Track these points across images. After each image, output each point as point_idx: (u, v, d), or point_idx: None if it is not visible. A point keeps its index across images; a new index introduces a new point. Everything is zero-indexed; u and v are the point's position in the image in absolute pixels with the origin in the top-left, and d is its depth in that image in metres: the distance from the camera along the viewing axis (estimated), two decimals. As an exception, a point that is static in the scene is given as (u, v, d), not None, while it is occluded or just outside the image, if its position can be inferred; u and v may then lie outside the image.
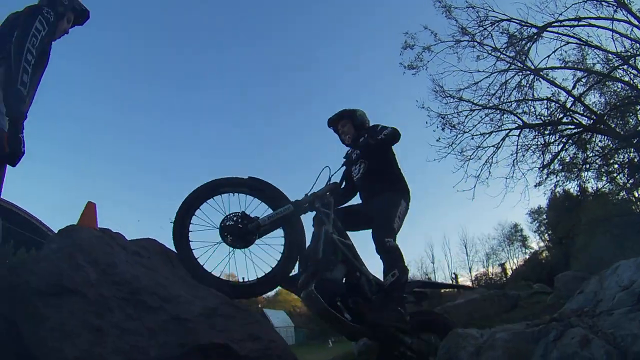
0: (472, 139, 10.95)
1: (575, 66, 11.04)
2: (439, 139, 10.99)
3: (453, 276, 34.40)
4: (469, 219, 58.12)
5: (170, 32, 62.13)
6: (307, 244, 2.76)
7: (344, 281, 2.73)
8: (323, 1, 61.73)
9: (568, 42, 10.67)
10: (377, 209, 2.88)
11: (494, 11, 10.74)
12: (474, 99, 11.03)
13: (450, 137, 11.00)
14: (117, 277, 1.91)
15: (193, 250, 2.55)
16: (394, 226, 2.77)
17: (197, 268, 2.51)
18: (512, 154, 10.99)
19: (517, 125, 11.02)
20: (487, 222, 64.19)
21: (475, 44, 10.93)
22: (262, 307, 38.73)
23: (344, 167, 3.16)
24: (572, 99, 10.91)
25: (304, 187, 3.03)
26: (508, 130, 11.00)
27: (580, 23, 10.33)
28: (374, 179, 3.07)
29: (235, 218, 2.61)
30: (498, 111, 10.89)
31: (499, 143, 10.97)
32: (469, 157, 10.93)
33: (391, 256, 2.65)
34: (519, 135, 10.97)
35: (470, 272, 34.81)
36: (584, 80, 10.99)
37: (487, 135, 10.94)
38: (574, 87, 10.94)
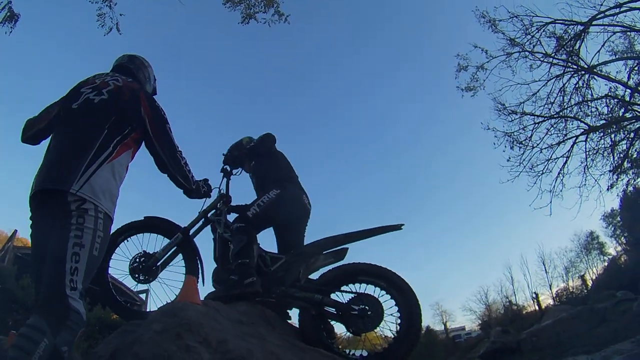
0: (541, 152, 10.60)
1: (626, 55, 10.49)
2: (509, 158, 10.70)
3: (534, 296, 32.63)
4: (544, 235, 54.80)
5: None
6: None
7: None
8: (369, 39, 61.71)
9: (614, 32, 10.20)
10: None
11: (537, 16, 10.50)
12: (535, 111, 10.78)
13: (519, 154, 10.68)
14: (230, 354, 1.77)
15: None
16: (251, 212, 3.01)
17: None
18: (581, 162, 10.46)
19: (582, 130, 10.48)
20: (562, 234, 59.59)
21: (527, 53, 10.71)
22: (343, 348, 37.82)
23: (225, 179, 3.41)
24: (630, 91, 10.30)
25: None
26: (575, 137, 10.51)
27: (622, 9, 9.86)
28: (255, 182, 3.52)
29: (137, 259, 2.92)
30: (562, 119, 10.51)
31: (567, 152, 10.53)
32: (540, 172, 10.57)
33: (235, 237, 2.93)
34: (586, 140, 10.42)
35: (550, 289, 32.89)
36: (637, 68, 10.39)
37: (556, 147, 10.57)
38: (629, 78, 10.37)
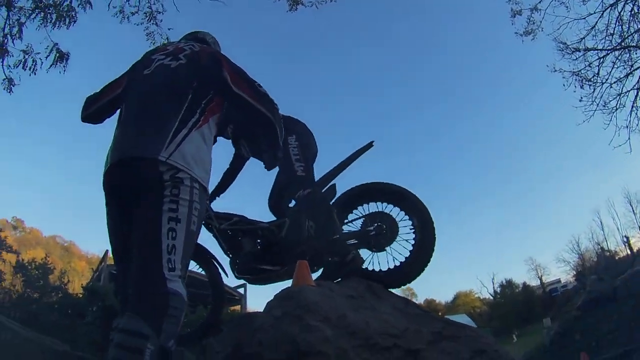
0: (611, 87, 9.73)
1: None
2: (581, 98, 10.08)
3: (625, 239, 31.05)
4: (629, 175, 51.20)
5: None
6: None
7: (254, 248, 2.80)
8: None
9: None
10: None
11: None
12: (597, 45, 9.94)
13: (590, 92, 9.95)
14: (351, 327, 1.88)
15: None
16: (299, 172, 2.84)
17: None
18: (653, 92, 9.54)
19: (647, 58, 9.51)
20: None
21: (576, -16, 9.90)
22: (443, 314, 38.05)
23: None
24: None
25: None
26: (640, 67, 9.61)
27: None
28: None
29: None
30: (625, 50, 9.64)
31: (637, 83, 9.59)
32: (614, 107, 9.77)
33: None
34: (653, 68, 9.45)
35: (640, 230, 30.61)
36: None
37: (624, 79, 9.64)
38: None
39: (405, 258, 2.65)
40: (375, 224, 2.75)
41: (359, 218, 2.83)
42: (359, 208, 2.87)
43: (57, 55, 6.45)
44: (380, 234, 2.72)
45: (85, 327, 11.80)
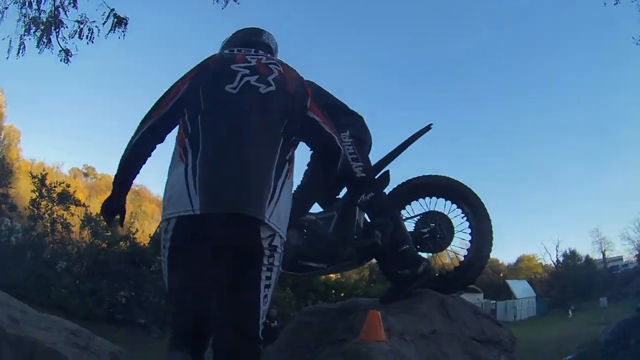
0: None
1: None
2: None
3: None
4: None
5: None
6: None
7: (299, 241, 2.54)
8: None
9: None
10: None
11: None
12: None
13: None
14: None
15: None
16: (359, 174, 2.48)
17: None
18: None
19: None
20: None
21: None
22: (505, 276, 38.82)
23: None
24: None
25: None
26: None
27: None
28: None
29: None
30: None
31: None
32: None
33: None
34: None
35: None
36: None
37: None
38: None
39: (468, 252, 2.53)
40: (429, 225, 2.58)
41: (416, 216, 2.65)
42: (407, 207, 2.68)
43: (115, 20, 6.22)
44: (435, 234, 2.55)
45: (151, 275, 12.63)
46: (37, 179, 12.97)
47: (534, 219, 63.83)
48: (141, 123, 1.65)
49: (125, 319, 12.40)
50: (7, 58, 6.01)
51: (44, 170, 14.00)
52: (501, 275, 39.08)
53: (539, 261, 42.37)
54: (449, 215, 2.57)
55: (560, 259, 38.40)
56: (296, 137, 1.66)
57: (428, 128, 2.68)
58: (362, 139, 2.63)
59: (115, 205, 1.76)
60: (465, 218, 2.55)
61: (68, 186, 13.48)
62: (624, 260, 36.83)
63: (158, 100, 1.66)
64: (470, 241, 2.52)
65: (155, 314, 12.36)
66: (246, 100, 1.55)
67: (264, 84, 1.59)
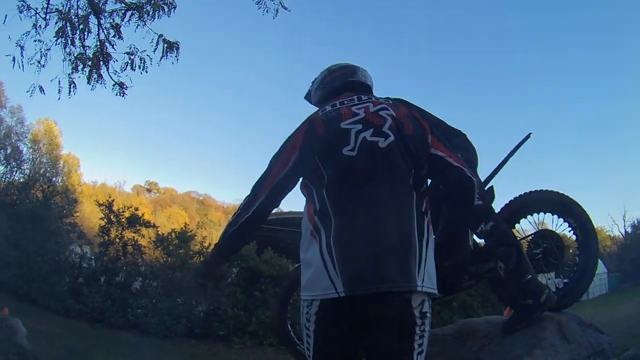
0: None
1: None
2: None
3: None
4: None
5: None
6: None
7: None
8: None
9: None
10: None
11: None
12: None
13: None
14: None
15: None
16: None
17: None
18: None
19: None
20: None
21: None
22: (574, 250, 36.59)
23: None
24: None
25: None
26: None
27: None
28: None
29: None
30: None
31: None
32: None
33: None
34: None
35: None
36: None
37: None
38: None
39: (575, 269, 2.53)
40: (542, 245, 2.54)
41: (522, 239, 2.58)
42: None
43: (166, 46, 6.15)
44: (549, 255, 2.53)
45: (229, 289, 12.76)
46: (104, 206, 13.13)
47: (598, 188, 60.43)
48: (248, 202, 1.58)
49: (205, 332, 12.46)
50: (59, 99, 5.95)
51: (109, 197, 14.11)
52: (570, 251, 36.68)
53: (607, 233, 39.45)
54: (560, 234, 2.57)
55: (629, 230, 36.01)
56: (425, 183, 1.56)
57: (527, 137, 2.67)
58: (471, 160, 2.47)
59: (216, 272, 1.73)
60: (572, 232, 2.57)
61: (136, 209, 13.67)
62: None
63: (264, 175, 1.59)
64: (577, 255, 2.55)
65: (234, 326, 12.40)
66: (368, 160, 1.46)
67: (381, 137, 1.50)
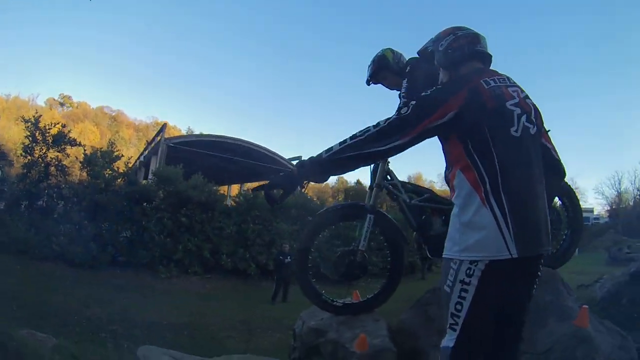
0: None
1: None
2: None
3: None
4: None
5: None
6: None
7: (442, 229, 2.60)
8: None
9: None
10: None
11: None
12: None
13: None
14: None
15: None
16: None
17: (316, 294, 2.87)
18: None
19: None
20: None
21: None
22: None
23: None
24: None
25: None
26: None
27: None
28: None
29: (344, 259, 2.77)
30: None
31: None
32: None
33: None
34: None
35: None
36: None
37: None
38: None
39: (565, 237, 2.96)
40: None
41: None
42: None
43: None
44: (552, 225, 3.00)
45: (155, 214, 12.20)
46: (30, 123, 11.90)
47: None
48: (383, 134, 1.56)
49: (129, 260, 12.05)
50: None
51: (36, 113, 12.56)
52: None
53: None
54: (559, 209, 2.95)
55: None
56: None
57: None
58: None
59: (299, 184, 1.75)
60: (564, 209, 2.98)
61: (64, 126, 12.66)
62: (595, 214, 38.69)
63: (409, 118, 1.56)
64: (568, 228, 2.97)
65: (160, 254, 12.13)
66: (529, 145, 1.62)
67: (531, 124, 1.64)
